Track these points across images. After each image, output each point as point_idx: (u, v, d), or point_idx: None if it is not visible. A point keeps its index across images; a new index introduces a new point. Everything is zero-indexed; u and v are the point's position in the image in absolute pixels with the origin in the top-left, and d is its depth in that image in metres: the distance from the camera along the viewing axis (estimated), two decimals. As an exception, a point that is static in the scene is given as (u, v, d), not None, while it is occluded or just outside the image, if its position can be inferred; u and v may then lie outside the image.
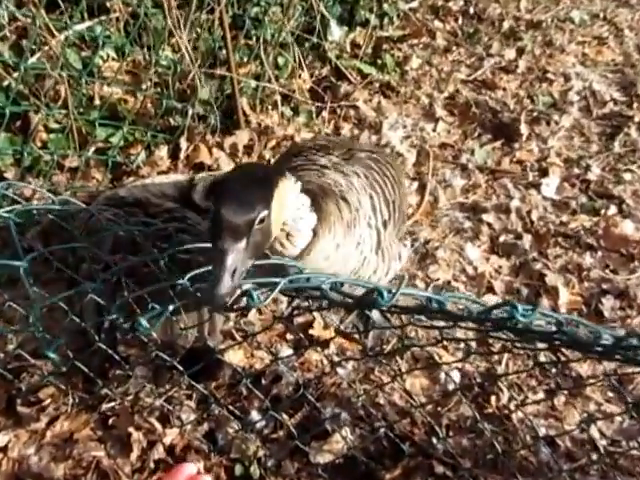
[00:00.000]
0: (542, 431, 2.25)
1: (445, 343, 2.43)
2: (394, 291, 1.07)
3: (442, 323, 1.57)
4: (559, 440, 2.21)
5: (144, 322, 1.01)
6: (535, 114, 3.37)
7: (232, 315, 2.49)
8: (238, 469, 2.15)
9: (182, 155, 3.10)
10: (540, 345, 1.83)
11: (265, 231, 1.46)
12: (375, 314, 2.47)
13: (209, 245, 1.37)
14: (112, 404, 2.27)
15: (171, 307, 1.04)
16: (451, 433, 2.24)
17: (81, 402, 2.27)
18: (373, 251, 1.94)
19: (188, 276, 1.13)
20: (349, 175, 1.95)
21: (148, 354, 2.20)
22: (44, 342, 1.09)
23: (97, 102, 3.10)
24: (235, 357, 2.41)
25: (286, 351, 2.43)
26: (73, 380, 2.30)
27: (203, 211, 2.55)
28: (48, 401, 2.28)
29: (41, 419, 2.23)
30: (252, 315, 2.53)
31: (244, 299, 1.17)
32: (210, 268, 1.35)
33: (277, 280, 1.14)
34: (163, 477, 1.11)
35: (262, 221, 1.43)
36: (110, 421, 2.24)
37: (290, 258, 1.65)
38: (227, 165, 3.05)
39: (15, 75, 2.84)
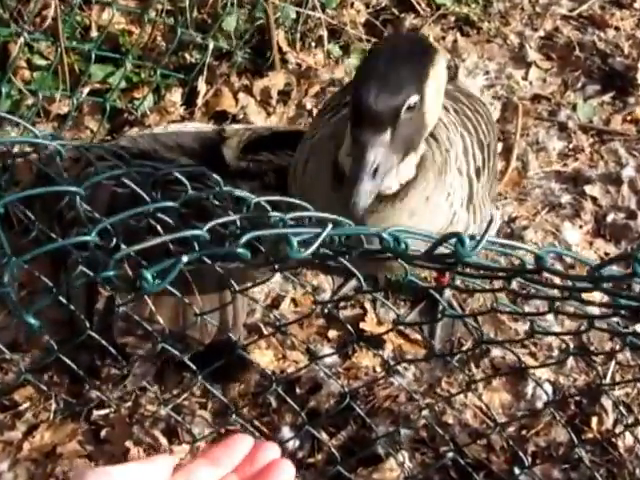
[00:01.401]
0: (656, 464, 2.24)
1: (533, 349, 2.43)
2: (478, 239, 1.04)
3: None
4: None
5: (149, 276, 1.00)
6: (656, 60, 3.32)
7: (259, 303, 2.49)
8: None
9: (200, 101, 3.09)
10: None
11: (417, 121, 1.51)
12: (445, 299, 2.46)
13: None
14: (105, 411, 2.28)
15: (185, 258, 1.02)
16: (539, 462, 2.23)
17: (67, 408, 2.29)
18: (464, 206, 1.94)
19: (208, 225, 1.12)
20: None
21: (152, 348, 2.21)
22: (16, 307, 1.08)
23: (94, 32, 3.11)
24: (263, 359, 2.41)
25: (328, 352, 2.43)
26: (57, 380, 2.33)
27: (232, 174, 2.55)
28: (26, 405, 2.30)
29: (17, 427, 2.25)
30: (285, 307, 2.53)
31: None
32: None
33: (319, 230, 1.11)
34: (213, 448, 1.11)
35: (412, 108, 1.47)
36: (103, 433, 2.25)
37: (384, 194, 1.67)
38: (256, 115, 3.05)
39: (-9, -6, 2.87)
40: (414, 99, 1.46)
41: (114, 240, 1.53)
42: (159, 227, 1.59)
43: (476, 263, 1.09)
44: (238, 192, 1.33)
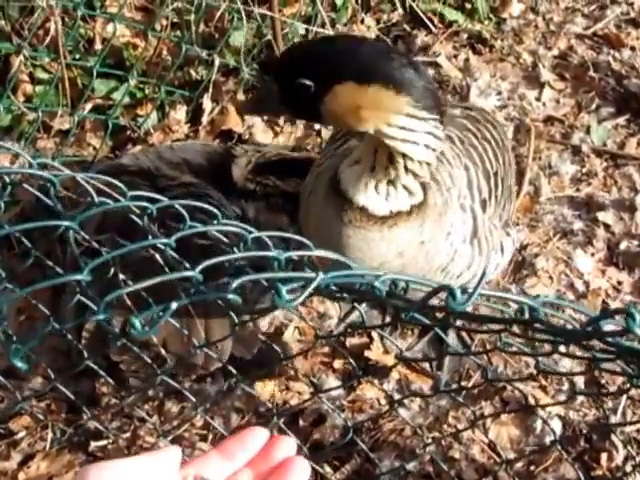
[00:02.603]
0: (666, 502, 2.22)
1: (543, 382, 2.41)
2: (470, 291, 1.03)
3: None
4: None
5: (137, 323, 0.98)
6: (673, 82, 3.30)
7: (261, 330, 2.48)
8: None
9: (205, 119, 3.08)
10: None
11: (311, 101, 1.58)
12: (451, 338, 2.45)
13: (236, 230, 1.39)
14: (103, 442, 2.27)
15: (174, 304, 1.01)
16: (547, 501, 2.22)
17: (64, 437, 2.27)
18: (467, 241, 1.94)
19: (201, 267, 1.10)
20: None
21: (151, 376, 2.20)
22: (9, 346, 1.07)
23: (98, 46, 3.10)
24: (265, 390, 2.40)
25: (332, 383, 2.40)
26: (54, 408, 2.32)
27: (238, 193, 2.54)
28: (22, 434, 2.28)
29: (12, 457, 2.24)
30: (288, 335, 2.51)
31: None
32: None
33: (312, 275, 1.10)
34: (227, 441, 1.09)
35: (305, 87, 1.55)
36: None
37: (371, 213, 1.72)
38: (263, 135, 3.04)
39: (-6, 8, 2.85)
40: (306, 82, 1.55)
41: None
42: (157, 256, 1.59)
43: (469, 314, 1.08)
44: (234, 229, 1.31)
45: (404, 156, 1.65)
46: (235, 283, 1.08)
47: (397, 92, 1.55)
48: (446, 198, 1.87)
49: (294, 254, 1.28)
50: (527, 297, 1.12)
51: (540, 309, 1.10)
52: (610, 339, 1.06)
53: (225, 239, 1.40)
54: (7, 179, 1.41)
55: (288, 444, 1.08)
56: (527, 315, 1.13)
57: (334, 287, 1.29)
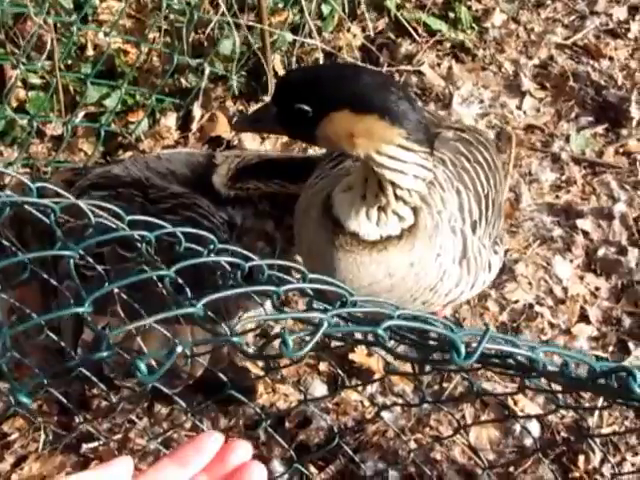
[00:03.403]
0: (642, 505, 2.24)
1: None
2: (474, 346, 1.04)
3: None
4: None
5: (143, 367, 0.99)
6: (650, 92, 3.33)
7: (249, 336, 2.49)
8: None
9: (195, 126, 3.10)
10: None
11: (307, 125, 1.63)
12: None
13: (225, 246, 1.40)
14: (95, 444, 2.28)
15: (180, 348, 1.01)
16: (526, 502, 2.24)
17: (56, 439, 2.28)
18: (456, 262, 1.97)
19: (203, 301, 1.11)
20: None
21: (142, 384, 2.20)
22: (12, 384, 1.07)
23: (90, 53, 3.11)
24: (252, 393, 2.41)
25: (318, 387, 2.43)
26: (46, 409, 2.32)
27: (223, 201, 2.55)
28: (15, 436, 2.29)
29: (5, 459, 2.25)
30: (276, 341, 2.52)
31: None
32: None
33: (318, 316, 1.11)
34: (181, 447, 1.07)
35: (302, 112, 1.59)
36: (92, 465, 2.24)
37: (362, 238, 1.76)
38: (251, 141, 3.05)
39: (-13, 16, 2.85)
40: (305, 107, 1.59)
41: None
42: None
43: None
44: (230, 259, 1.32)
45: (393, 184, 1.67)
46: (238, 326, 1.10)
47: (391, 124, 1.58)
48: (437, 221, 1.89)
49: (291, 287, 1.28)
50: (526, 348, 1.13)
51: (540, 360, 1.10)
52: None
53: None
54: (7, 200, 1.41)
55: (244, 448, 1.05)
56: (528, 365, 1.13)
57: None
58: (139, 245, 1.35)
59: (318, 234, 1.79)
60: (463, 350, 1.02)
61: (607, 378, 1.07)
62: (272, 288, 1.19)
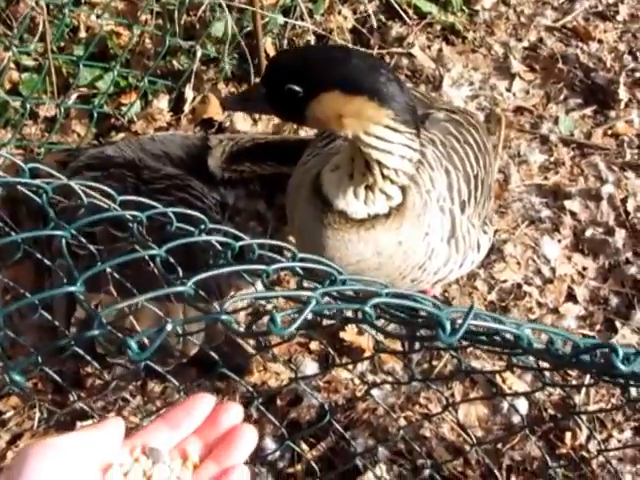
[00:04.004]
0: (627, 480, 2.26)
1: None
2: (460, 323, 1.05)
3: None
4: (648, 493, 2.23)
5: (134, 345, 1.00)
6: (638, 75, 3.32)
7: (241, 314, 2.50)
8: (243, 512, 2.16)
9: (187, 108, 3.10)
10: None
11: (297, 106, 1.64)
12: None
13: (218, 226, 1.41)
14: (89, 422, 2.28)
15: (170, 326, 1.02)
16: (513, 478, 2.26)
17: (50, 417, 2.29)
18: (444, 241, 1.98)
19: (193, 280, 1.12)
20: (422, 144, 1.98)
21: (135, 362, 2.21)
22: (5, 363, 1.08)
23: (82, 35, 3.10)
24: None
25: (309, 365, 2.44)
26: (41, 387, 2.33)
27: (217, 182, 2.56)
28: (10, 414, 2.31)
29: (1, 436, 2.27)
30: (266, 318, 2.53)
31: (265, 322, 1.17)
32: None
33: (307, 295, 1.12)
34: (172, 410, 1.09)
35: (293, 92, 1.60)
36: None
37: (350, 216, 1.78)
38: (243, 123, 3.05)
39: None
40: (295, 88, 1.60)
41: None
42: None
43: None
44: (220, 239, 1.33)
45: (379, 164, 1.69)
46: (228, 304, 1.10)
47: (380, 105, 1.61)
48: (425, 200, 1.91)
49: (281, 266, 1.29)
50: (513, 325, 1.14)
51: (525, 338, 1.11)
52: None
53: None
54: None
55: (235, 410, 1.08)
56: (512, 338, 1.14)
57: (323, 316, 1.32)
58: (131, 225, 1.36)
59: (307, 212, 1.81)
60: (449, 327, 1.03)
61: (592, 355, 1.09)
62: (262, 267, 1.21)
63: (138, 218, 1.32)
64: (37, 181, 1.34)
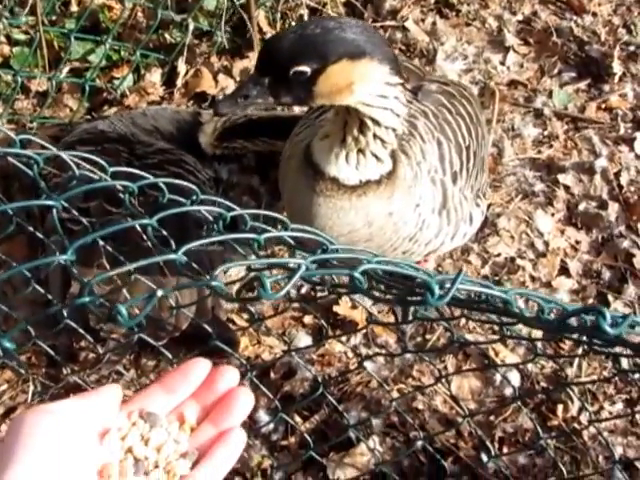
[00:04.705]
0: (618, 451, 2.28)
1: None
2: (447, 286, 1.06)
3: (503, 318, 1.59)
4: (639, 464, 2.23)
5: (124, 311, 1.00)
6: (632, 48, 3.32)
7: (234, 287, 2.50)
8: (238, 483, 2.18)
9: (179, 81, 3.09)
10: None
11: (304, 87, 1.62)
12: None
13: (208, 197, 1.42)
14: (83, 395, 2.29)
15: (160, 292, 1.03)
16: (505, 449, 2.28)
17: (44, 391, 2.30)
18: (436, 212, 2.00)
19: (184, 249, 1.12)
20: (414, 116, 1.99)
21: (129, 336, 2.21)
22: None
23: (74, 8, 3.09)
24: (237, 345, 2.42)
25: (302, 338, 2.45)
26: (35, 361, 2.34)
27: (209, 158, 2.56)
28: (4, 387, 2.32)
29: (-5, 410, 2.27)
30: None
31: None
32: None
33: (296, 262, 1.13)
34: (168, 374, 1.10)
35: (300, 74, 1.59)
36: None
37: (342, 182, 1.79)
38: (236, 97, 3.04)
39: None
40: (302, 68, 1.59)
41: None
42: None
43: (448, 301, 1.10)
44: (212, 208, 1.34)
45: (374, 122, 1.71)
46: (218, 271, 1.11)
47: (380, 62, 1.62)
48: (416, 172, 1.92)
49: (272, 235, 1.29)
50: (501, 290, 1.14)
51: (513, 302, 1.12)
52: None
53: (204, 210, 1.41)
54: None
55: (231, 374, 1.09)
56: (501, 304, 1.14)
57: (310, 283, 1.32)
58: (122, 196, 1.36)
59: (299, 182, 1.81)
60: (437, 290, 1.04)
61: (581, 321, 1.10)
62: (253, 236, 1.21)
63: (129, 188, 1.32)
64: (28, 151, 1.34)
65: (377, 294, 1.18)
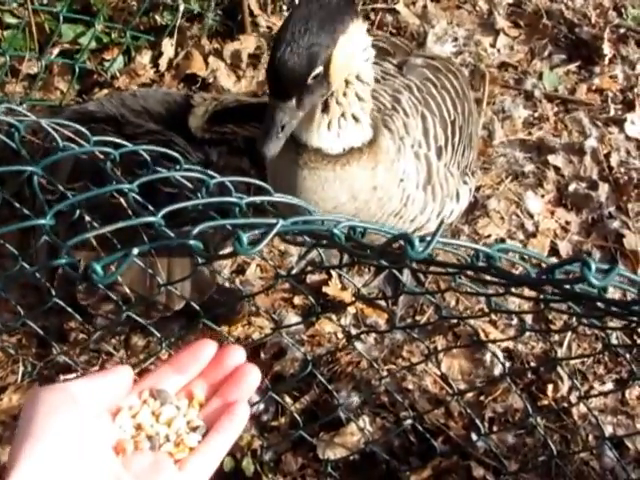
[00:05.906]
0: (608, 430, 2.27)
1: (493, 317, 2.44)
2: (428, 239, 1.04)
3: (490, 290, 1.59)
4: (628, 442, 2.24)
5: (98, 268, 0.98)
6: (622, 31, 3.31)
7: (225, 271, 2.50)
8: (227, 463, 2.18)
9: (164, 62, 3.08)
10: (612, 324, 1.84)
11: (322, 83, 1.62)
12: (406, 276, 2.48)
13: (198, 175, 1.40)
14: (72, 375, 2.28)
15: (136, 250, 1.01)
16: (495, 428, 2.27)
17: (34, 371, 2.29)
18: (420, 188, 1.99)
19: (163, 212, 1.11)
20: (398, 90, 1.98)
21: (116, 311, 2.21)
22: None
23: (65, -10, 3.08)
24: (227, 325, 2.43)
25: (292, 319, 2.44)
26: (25, 342, 2.33)
27: (199, 140, 2.54)
28: (-7, 368, 2.31)
29: (-15, 390, 2.26)
30: (251, 273, 2.53)
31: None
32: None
33: (273, 221, 1.11)
34: (178, 354, 1.11)
35: (317, 76, 1.58)
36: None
37: (325, 152, 1.77)
38: (226, 79, 3.03)
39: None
40: (318, 70, 1.58)
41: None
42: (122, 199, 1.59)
43: (426, 260, 1.08)
44: (196, 175, 1.32)
45: (358, 79, 1.71)
46: (196, 230, 1.09)
47: (358, 18, 1.64)
48: (399, 146, 1.91)
49: (254, 199, 1.28)
50: (484, 245, 1.13)
51: (497, 256, 1.11)
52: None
53: (190, 185, 1.40)
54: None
55: (238, 352, 1.10)
56: (484, 262, 1.13)
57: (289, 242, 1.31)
58: (103, 165, 1.35)
59: (282, 156, 1.79)
60: (417, 243, 1.02)
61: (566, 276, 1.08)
62: (234, 200, 1.19)
63: (111, 156, 1.31)
64: (9, 118, 1.33)
65: (357, 252, 1.17)
